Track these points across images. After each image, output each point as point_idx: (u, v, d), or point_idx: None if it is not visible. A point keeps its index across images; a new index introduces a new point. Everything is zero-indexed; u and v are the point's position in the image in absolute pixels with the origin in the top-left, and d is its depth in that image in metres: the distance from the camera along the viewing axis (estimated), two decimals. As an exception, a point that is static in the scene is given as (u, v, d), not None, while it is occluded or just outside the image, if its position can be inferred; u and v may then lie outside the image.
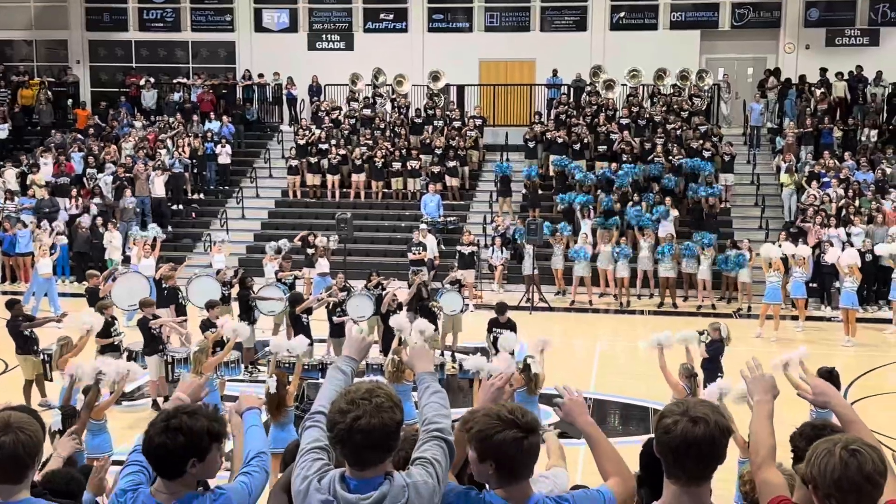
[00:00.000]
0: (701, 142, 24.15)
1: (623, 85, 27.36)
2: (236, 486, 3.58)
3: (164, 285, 16.07)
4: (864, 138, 25.05)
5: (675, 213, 22.09)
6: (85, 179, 25.18)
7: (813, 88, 26.60)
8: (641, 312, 20.49)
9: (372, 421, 3.05)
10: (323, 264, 19.19)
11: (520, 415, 3.17)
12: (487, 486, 3.29)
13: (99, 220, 22.99)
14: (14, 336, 12.95)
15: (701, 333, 12.09)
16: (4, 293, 21.90)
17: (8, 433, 3.31)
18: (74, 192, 24.32)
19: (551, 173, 24.73)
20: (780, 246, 19.39)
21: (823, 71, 26.84)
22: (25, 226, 22.55)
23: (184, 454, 3.38)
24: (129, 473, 3.55)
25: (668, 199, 22.26)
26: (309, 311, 14.42)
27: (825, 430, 3.61)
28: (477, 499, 3.23)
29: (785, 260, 19.31)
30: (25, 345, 12.88)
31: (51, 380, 12.57)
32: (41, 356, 12.76)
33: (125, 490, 3.48)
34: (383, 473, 3.13)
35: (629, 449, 3.65)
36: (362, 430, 3.04)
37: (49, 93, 29.38)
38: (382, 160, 25.19)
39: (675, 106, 26.19)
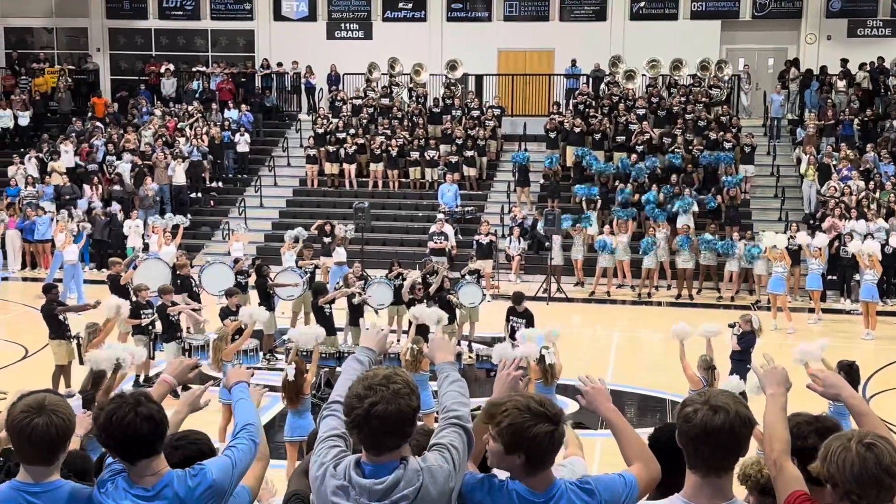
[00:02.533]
0: (721, 133, 24.04)
1: (643, 75, 27.25)
2: (217, 460, 3.60)
3: (177, 273, 16.13)
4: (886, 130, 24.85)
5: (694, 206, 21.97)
6: (104, 167, 25.34)
7: (835, 79, 26.42)
8: (659, 304, 20.44)
9: (389, 407, 3.06)
10: (340, 253, 19.24)
11: (549, 407, 3.19)
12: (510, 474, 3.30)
13: (118, 208, 23.15)
14: (48, 320, 12.98)
15: (732, 326, 12.09)
16: (24, 279, 22.15)
17: (42, 415, 3.35)
18: (96, 179, 24.48)
19: (569, 164, 24.67)
20: (793, 237, 19.33)
21: (844, 62, 26.64)
22: (45, 212, 22.71)
23: (161, 432, 3.48)
24: (112, 463, 3.55)
25: (687, 191, 22.17)
26: (332, 301, 14.44)
27: (816, 423, 3.59)
28: (499, 486, 3.23)
29: (799, 251, 19.26)
30: (59, 329, 12.93)
31: (82, 363, 12.65)
32: (75, 340, 12.86)
33: (104, 480, 3.49)
34: (399, 458, 3.15)
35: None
36: (379, 415, 3.05)
37: (69, 80, 29.56)
38: (398, 149, 25.19)
39: (693, 97, 26.05)
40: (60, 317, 12.95)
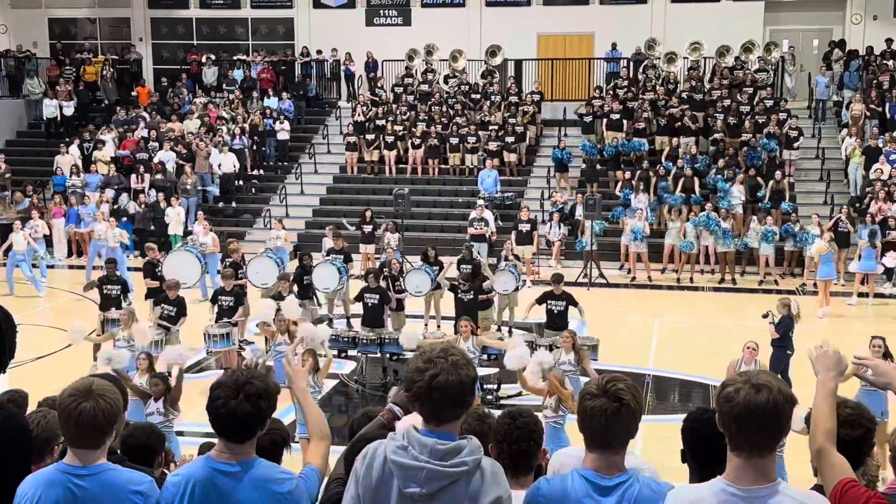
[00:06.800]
0: (765, 117, 23.72)
1: (684, 58, 26.91)
2: (303, 481, 3.62)
3: (227, 258, 16.25)
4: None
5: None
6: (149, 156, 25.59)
7: (884, 61, 25.92)
8: (702, 289, 20.26)
9: (450, 378, 3.10)
10: (393, 239, 19.30)
11: (616, 384, 3.25)
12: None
13: (160, 196, 23.39)
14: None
15: (765, 316, 12.01)
16: (70, 267, 22.49)
17: (89, 399, 3.41)
18: (141, 168, 24.73)
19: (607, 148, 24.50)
20: (842, 220, 19.12)
21: (889, 42, 26.14)
22: (90, 201, 22.99)
23: (265, 417, 3.50)
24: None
25: (740, 176, 21.86)
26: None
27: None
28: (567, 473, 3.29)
29: (848, 235, 19.01)
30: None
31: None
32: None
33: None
34: (458, 433, 3.19)
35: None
36: (440, 386, 3.10)
37: (113, 70, 29.87)
38: (437, 136, 25.16)
39: (738, 80, 25.69)
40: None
